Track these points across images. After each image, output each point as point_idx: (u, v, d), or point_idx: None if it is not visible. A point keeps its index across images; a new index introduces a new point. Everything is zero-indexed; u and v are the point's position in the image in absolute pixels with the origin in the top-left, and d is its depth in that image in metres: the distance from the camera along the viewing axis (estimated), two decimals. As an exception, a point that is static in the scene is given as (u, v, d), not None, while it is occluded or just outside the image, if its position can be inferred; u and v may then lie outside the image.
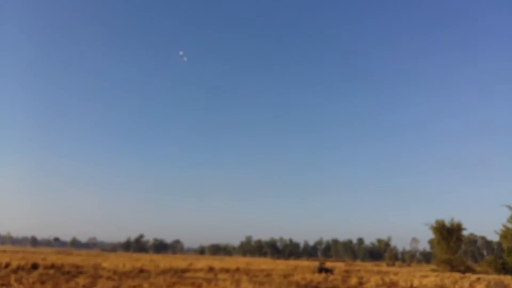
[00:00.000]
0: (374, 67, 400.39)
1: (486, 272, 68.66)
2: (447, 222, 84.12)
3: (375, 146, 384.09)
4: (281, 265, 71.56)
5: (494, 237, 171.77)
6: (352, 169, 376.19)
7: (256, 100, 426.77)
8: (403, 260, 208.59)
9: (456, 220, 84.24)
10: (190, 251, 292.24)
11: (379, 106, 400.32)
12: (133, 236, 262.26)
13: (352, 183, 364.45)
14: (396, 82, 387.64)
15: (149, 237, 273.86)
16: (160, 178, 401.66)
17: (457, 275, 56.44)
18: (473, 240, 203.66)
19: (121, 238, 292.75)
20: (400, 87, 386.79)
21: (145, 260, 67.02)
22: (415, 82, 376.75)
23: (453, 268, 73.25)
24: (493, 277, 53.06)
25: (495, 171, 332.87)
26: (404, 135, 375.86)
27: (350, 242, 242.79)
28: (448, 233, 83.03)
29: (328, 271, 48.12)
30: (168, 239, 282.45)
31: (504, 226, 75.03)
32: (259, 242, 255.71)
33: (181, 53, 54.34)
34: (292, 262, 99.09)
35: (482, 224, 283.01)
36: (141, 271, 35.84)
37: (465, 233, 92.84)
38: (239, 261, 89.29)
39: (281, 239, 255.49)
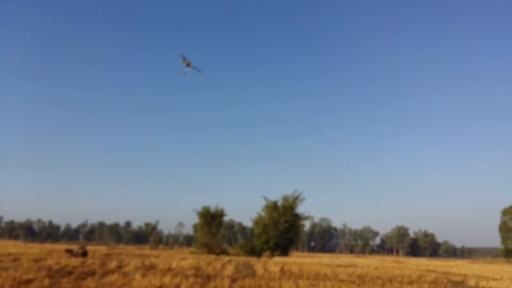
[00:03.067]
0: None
1: (238, 254, 75.95)
2: (212, 208, 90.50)
3: (149, 139, 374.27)
4: (34, 248, 63.47)
5: (249, 223, 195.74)
6: (122, 154, 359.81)
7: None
8: (167, 244, 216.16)
9: (220, 207, 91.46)
10: None
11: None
12: None
13: (124, 168, 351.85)
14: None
15: None
16: None
17: (212, 257, 60.60)
18: (231, 225, 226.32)
19: None
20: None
21: None
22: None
23: (210, 250, 78.48)
24: (242, 258, 58.88)
25: (260, 168, 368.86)
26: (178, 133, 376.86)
27: (117, 225, 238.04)
28: (211, 218, 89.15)
29: (77, 253, 45.16)
30: None
31: (258, 213, 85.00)
32: (11, 223, 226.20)
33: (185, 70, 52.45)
34: (48, 246, 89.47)
35: (240, 211, 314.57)
36: None
37: (225, 218, 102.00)
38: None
39: (39, 220, 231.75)
